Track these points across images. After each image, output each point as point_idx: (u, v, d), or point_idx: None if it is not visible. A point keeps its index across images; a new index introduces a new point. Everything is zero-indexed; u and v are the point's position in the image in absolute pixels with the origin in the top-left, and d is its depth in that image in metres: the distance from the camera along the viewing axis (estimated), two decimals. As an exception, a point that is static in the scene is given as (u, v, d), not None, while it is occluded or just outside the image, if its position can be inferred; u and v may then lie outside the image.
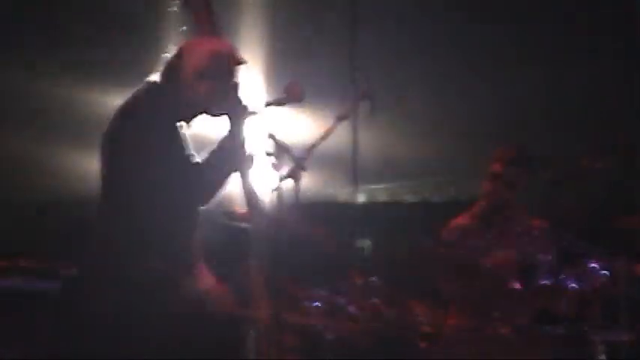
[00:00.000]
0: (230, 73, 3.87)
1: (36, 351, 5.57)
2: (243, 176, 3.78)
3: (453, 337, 5.09)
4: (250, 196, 3.75)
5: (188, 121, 3.90)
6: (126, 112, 3.80)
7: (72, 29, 7.11)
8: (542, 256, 5.01)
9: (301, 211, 4.17)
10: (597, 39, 7.12)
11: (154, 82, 3.87)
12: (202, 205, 3.90)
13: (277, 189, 3.90)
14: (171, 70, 3.86)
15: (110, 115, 3.83)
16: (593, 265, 4.92)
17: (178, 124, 3.86)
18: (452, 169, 7.73)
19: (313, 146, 4.72)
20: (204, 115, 3.91)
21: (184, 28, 7.06)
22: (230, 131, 3.83)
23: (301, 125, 6.54)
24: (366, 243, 5.53)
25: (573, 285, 4.91)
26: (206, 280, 3.87)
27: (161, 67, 3.90)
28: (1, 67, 7.12)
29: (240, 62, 3.90)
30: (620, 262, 4.96)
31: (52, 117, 7.02)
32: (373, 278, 5.13)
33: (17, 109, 7.24)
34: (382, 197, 7.91)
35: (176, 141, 3.80)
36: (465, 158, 7.38)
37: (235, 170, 3.82)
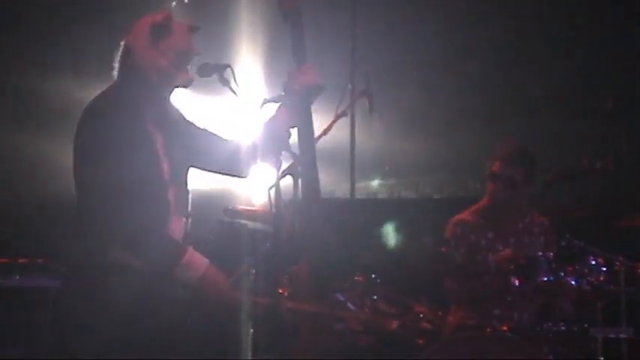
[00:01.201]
0: (177, 32, 3.91)
1: (36, 350, 5.58)
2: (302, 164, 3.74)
3: (453, 336, 5.09)
4: (308, 184, 3.70)
5: (164, 98, 3.93)
6: (93, 111, 3.83)
7: (72, 28, 7.12)
8: (543, 253, 5.01)
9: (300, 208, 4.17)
10: (598, 33, 7.13)
11: (118, 80, 3.91)
12: (243, 177, 4.05)
13: (275, 186, 3.88)
14: (126, 63, 3.89)
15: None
16: (593, 262, 4.92)
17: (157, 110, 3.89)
18: (452, 167, 7.73)
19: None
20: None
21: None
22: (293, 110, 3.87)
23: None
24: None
25: (573, 282, 4.90)
26: (197, 265, 3.76)
27: (117, 68, 3.94)
28: (2, 66, 7.13)
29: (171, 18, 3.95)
30: (619, 261, 4.96)
31: (52, 117, 7.02)
32: (373, 276, 5.12)
33: (17, 108, 7.25)
34: (382, 194, 7.91)
35: (146, 130, 3.82)
36: (465, 155, 7.39)
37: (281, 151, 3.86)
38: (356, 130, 6.26)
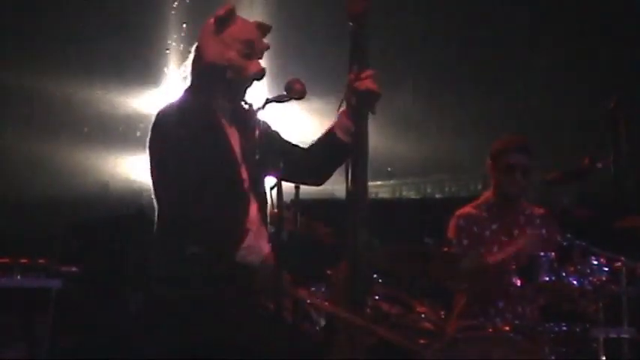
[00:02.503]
0: (240, 22, 3.93)
1: (36, 350, 5.57)
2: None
3: (455, 336, 5.09)
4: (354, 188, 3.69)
5: (237, 97, 3.93)
6: (160, 113, 3.88)
7: (73, 28, 7.12)
8: (545, 253, 5.00)
9: (301, 208, 4.17)
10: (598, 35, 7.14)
11: (191, 82, 3.95)
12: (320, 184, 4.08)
13: (277, 186, 3.88)
14: (196, 63, 3.92)
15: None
16: (594, 262, 4.92)
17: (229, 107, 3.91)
18: (454, 167, 7.74)
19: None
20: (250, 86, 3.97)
21: (185, 24, 7.08)
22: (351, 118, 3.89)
23: (302, 122, 6.55)
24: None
25: (575, 282, 4.90)
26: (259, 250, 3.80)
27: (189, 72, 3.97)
28: (2, 66, 7.14)
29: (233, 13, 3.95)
30: (621, 261, 4.96)
31: (52, 116, 7.03)
32: (374, 276, 5.12)
33: (17, 108, 7.25)
34: (383, 194, 7.91)
35: (217, 126, 3.86)
36: (466, 155, 7.40)
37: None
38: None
